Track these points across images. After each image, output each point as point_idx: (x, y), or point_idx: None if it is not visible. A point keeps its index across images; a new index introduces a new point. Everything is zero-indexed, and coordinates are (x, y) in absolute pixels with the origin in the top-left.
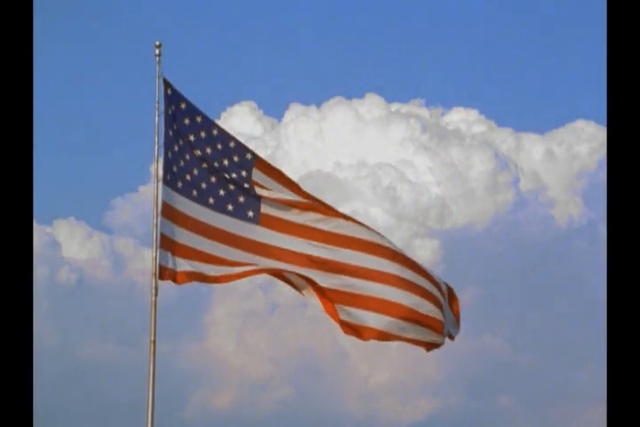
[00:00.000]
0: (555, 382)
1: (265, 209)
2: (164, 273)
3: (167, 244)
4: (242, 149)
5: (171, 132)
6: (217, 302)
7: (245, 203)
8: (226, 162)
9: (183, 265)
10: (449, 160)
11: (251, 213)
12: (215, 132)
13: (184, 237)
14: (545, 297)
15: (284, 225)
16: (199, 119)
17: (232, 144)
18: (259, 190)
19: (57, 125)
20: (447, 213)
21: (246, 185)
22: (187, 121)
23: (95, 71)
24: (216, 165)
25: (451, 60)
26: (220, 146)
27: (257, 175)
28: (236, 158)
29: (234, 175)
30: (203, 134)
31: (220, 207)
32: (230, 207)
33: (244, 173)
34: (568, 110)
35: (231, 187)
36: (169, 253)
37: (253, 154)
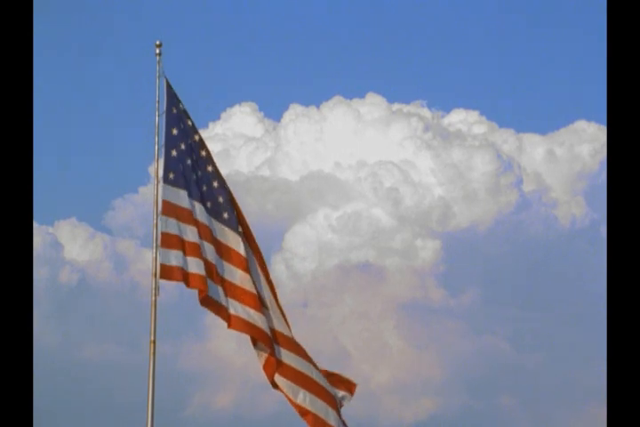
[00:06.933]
0: (555, 383)
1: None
2: (166, 271)
3: (171, 242)
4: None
5: (175, 131)
6: None
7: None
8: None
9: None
10: (450, 161)
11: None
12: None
13: (189, 235)
14: (546, 298)
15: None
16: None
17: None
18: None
19: (57, 126)
20: (450, 214)
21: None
22: (182, 125)
23: (95, 71)
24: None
25: (451, 61)
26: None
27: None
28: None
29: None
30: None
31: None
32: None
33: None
34: (569, 111)
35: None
36: (175, 252)
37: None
